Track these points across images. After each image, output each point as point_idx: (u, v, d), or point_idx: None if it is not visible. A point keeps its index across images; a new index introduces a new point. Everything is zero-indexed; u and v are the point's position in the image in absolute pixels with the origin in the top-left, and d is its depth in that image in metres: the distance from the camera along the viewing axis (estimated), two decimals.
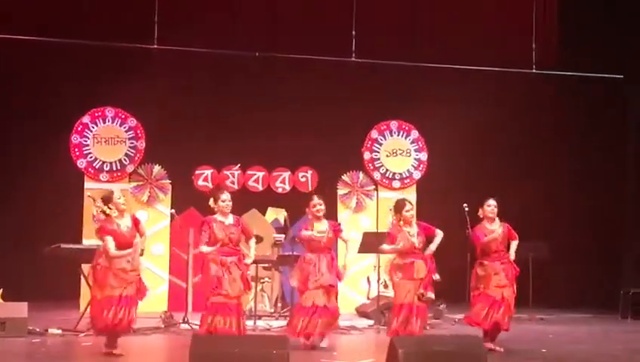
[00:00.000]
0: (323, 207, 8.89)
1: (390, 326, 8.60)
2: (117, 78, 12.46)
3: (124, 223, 8.16)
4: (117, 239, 8.02)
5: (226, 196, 8.55)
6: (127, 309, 8.01)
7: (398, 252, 8.56)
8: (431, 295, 8.56)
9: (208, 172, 12.74)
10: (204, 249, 8.34)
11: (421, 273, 8.46)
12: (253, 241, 8.78)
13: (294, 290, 9.28)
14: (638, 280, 12.63)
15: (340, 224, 9.40)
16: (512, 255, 8.86)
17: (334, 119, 13.50)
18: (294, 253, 10.01)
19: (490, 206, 8.83)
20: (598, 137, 13.80)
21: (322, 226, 8.81)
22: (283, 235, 11.34)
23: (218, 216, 8.46)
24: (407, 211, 8.62)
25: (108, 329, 8.08)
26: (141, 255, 8.42)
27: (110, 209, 8.13)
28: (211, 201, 8.58)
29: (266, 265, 11.22)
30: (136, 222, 8.29)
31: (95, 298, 8.09)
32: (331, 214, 10.14)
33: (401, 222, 8.62)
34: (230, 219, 8.50)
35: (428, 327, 9.93)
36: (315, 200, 8.89)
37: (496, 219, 8.87)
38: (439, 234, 8.69)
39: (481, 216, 8.87)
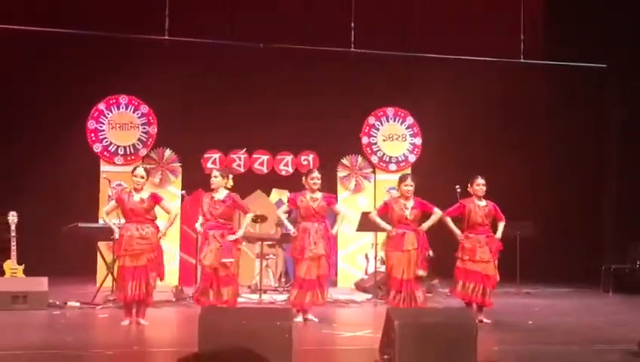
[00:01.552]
0: (320, 181, 8.86)
1: (388, 297, 8.59)
2: (130, 68, 12.46)
3: (139, 196, 8.30)
4: (123, 207, 8.29)
5: (216, 173, 8.67)
6: (138, 281, 8.06)
7: (392, 223, 8.59)
8: (422, 273, 8.55)
9: (216, 155, 12.75)
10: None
11: (410, 245, 8.46)
12: (248, 217, 8.80)
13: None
14: (619, 256, 12.66)
15: (335, 196, 9.35)
16: (499, 234, 8.89)
17: (334, 106, 13.48)
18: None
19: (479, 185, 8.85)
20: (582, 121, 13.78)
21: (316, 196, 8.80)
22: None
23: (213, 192, 8.54)
24: (405, 185, 8.64)
25: (124, 300, 8.22)
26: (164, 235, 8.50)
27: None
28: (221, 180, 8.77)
29: (271, 242, 11.24)
30: (156, 199, 8.39)
31: (119, 268, 8.36)
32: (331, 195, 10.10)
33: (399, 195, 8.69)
34: (220, 195, 8.52)
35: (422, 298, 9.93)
36: (315, 173, 8.86)
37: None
38: (436, 214, 8.66)
39: (472, 193, 8.89)
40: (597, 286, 12.22)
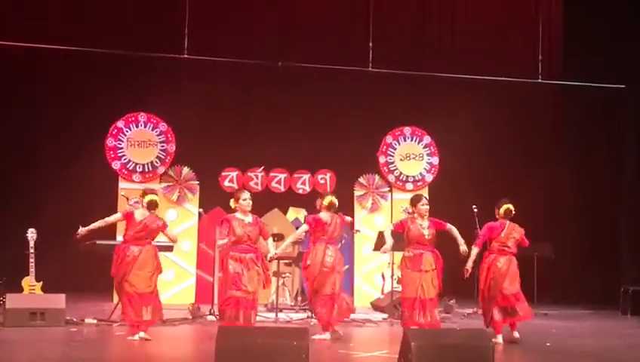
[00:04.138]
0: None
1: (403, 317, 8.60)
2: (150, 86, 12.56)
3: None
4: (133, 225, 8.43)
5: (246, 195, 8.54)
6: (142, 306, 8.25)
7: (408, 243, 8.60)
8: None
9: (234, 173, 12.79)
10: (221, 241, 8.40)
11: (427, 265, 8.48)
12: (270, 241, 8.80)
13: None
14: (637, 278, 12.56)
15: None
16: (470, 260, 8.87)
17: (352, 125, 13.52)
18: None
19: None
20: (599, 142, 13.74)
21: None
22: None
23: (238, 214, 8.46)
24: (422, 205, 8.69)
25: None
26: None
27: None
28: (232, 201, 8.59)
29: (287, 261, 11.25)
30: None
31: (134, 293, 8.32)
32: (348, 214, 10.11)
33: (415, 215, 8.67)
34: (250, 218, 8.49)
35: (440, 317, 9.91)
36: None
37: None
38: (453, 228, 8.71)
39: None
40: (615, 308, 12.13)
